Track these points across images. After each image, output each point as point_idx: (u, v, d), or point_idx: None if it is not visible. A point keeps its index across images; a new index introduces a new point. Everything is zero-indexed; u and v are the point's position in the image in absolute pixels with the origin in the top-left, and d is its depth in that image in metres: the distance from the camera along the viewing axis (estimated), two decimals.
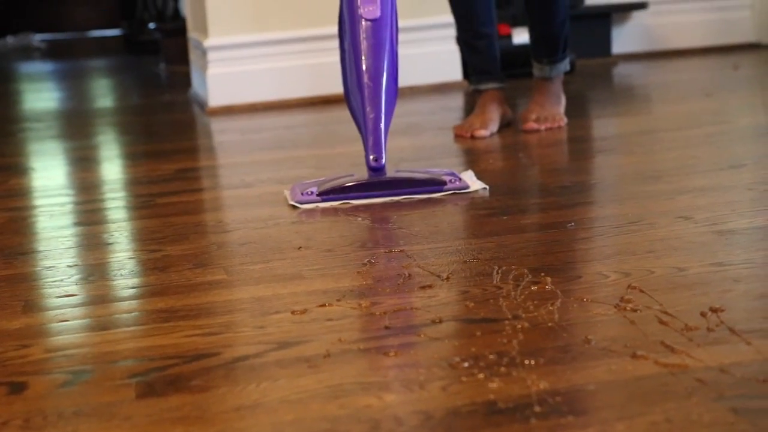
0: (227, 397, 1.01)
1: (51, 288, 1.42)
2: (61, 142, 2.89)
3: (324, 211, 1.76)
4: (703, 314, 1.13)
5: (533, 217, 1.68)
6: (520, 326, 1.14)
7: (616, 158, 2.15)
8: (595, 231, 1.55)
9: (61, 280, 1.45)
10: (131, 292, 1.40)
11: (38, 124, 3.26)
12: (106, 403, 1.02)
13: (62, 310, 1.32)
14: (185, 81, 3.75)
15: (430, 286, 1.31)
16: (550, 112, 2.42)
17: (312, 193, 1.80)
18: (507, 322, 1.16)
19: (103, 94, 4.21)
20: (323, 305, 1.26)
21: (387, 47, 1.84)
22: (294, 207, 1.78)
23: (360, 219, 1.69)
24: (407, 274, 1.36)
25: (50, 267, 1.52)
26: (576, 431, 0.89)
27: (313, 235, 1.61)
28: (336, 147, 2.47)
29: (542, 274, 1.32)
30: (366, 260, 1.44)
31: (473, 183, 1.84)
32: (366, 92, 1.81)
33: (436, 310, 1.22)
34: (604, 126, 2.63)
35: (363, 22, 1.84)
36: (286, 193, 1.87)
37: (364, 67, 1.82)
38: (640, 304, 1.18)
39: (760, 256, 1.35)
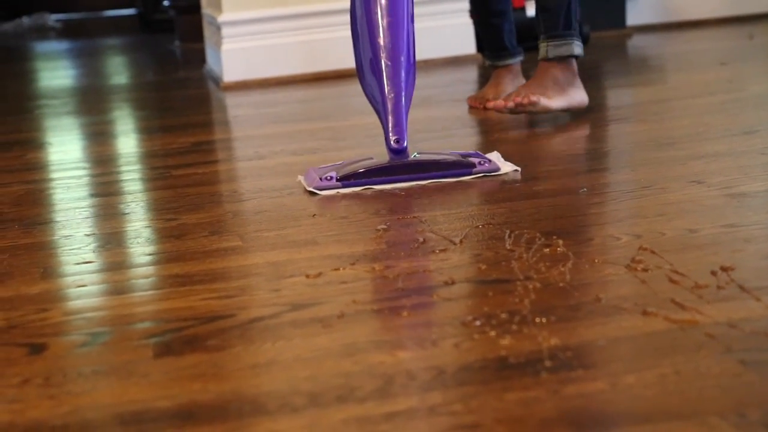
0: (243, 355, 1.03)
1: (69, 255, 1.44)
2: (77, 117, 2.91)
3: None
4: (713, 273, 1.14)
5: (546, 183, 1.68)
6: (531, 286, 1.15)
7: (630, 126, 2.15)
8: (607, 196, 1.56)
9: (79, 248, 1.47)
10: (147, 258, 1.42)
11: (54, 100, 3.28)
12: (124, 362, 1.04)
13: (80, 276, 1.34)
14: (200, 57, 3.76)
15: (443, 250, 1.32)
16: (532, 90, 2.10)
17: (331, 178, 1.69)
18: (519, 282, 1.17)
19: (118, 72, 4.23)
20: (337, 269, 1.27)
21: (405, 24, 1.77)
22: (312, 193, 1.68)
23: (373, 188, 1.70)
24: (421, 239, 1.37)
25: (68, 236, 1.54)
26: (585, 383, 0.90)
27: (327, 204, 1.62)
28: (349, 119, 2.48)
29: (554, 237, 1.33)
30: (380, 226, 1.45)
31: (503, 165, 1.74)
32: (384, 72, 1.73)
33: (448, 272, 1.24)
34: (617, 96, 2.63)
35: None
36: (301, 178, 1.77)
37: (381, 46, 1.74)
38: (650, 264, 1.19)
39: None
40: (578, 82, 2.14)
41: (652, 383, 0.89)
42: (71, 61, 4.66)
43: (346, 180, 1.70)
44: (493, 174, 1.71)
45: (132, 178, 2.02)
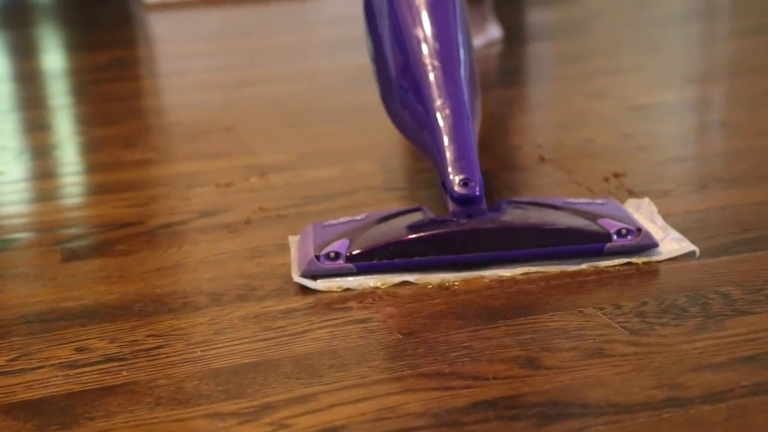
0: (149, 259, 1.06)
1: None
2: None
3: (258, 95, 1.79)
4: (606, 179, 1.20)
5: None
6: (426, 194, 1.20)
7: (542, 44, 2.19)
8: (510, 109, 1.60)
9: None
10: (61, 170, 1.43)
11: None
12: (32, 267, 1.07)
13: None
14: None
15: (349, 160, 1.35)
16: None
17: (337, 255, 0.98)
18: (417, 191, 1.21)
19: None
20: (247, 179, 1.31)
21: (455, 7, 1.11)
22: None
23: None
24: (332, 150, 1.41)
25: None
26: (472, 279, 0.95)
27: (243, 117, 1.64)
28: (273, 37, 2.48)
29: None
30: (294, 137, 1.48)
31: (666, 238, 1.00)
32: (432, 79, 1.05)
33: (354, 180, 1.27)
34: (533, 15, 2.67)
35: None
36: (293, 243, 1.07)
37: (422, 41, 1.07)
38: (549, 171, 1.24)
39: (664, 128, 1.42)
40: (492, 16, 2.09)
41: (536, 279, 0.95)
42: None
43: (363, 261, 0.98)
44: (642, 255, 0.98)
45: (50, 93, 2.01)
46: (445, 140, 1.03)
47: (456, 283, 0.94)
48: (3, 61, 2.49)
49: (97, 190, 1.30)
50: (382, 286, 0.95)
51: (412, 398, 0.75)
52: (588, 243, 0.97)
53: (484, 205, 1.00)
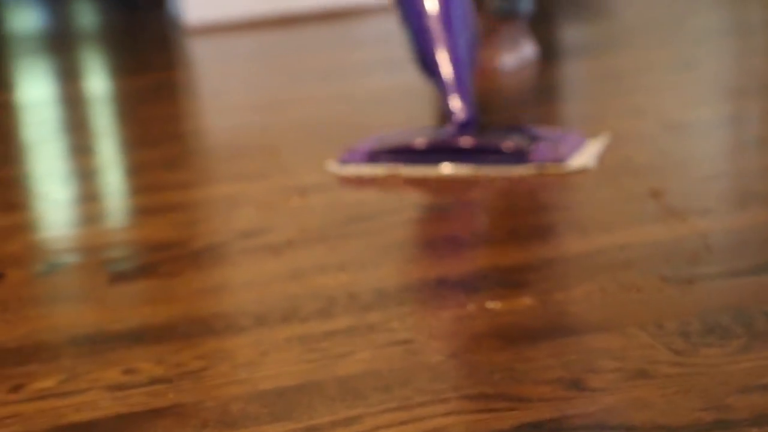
0: (193, 280, 1.08)
1: (31, 189, 1.48)
2: (39, 58, 2.92)
3: (296, 116, 1.80)
4: (645, 197, 1.20)
5: (488, 116, 1.73)
6: (470, 212, 1.21)
7: (577, 61, 2.19)
8: (548, 126, 1.60)
9: (41, 182, 1.50)
10: (106, 192, 1.45)
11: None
12: (80, 289, 1.08)
13: (41, 209, 1.38)
14: None
15: (389, 178, 1.36)
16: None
17: (358, 152, 1.43)
18: (457, 208, 1.22)
19: (79, 13, 4.21)
20: (288, 199, 1.32)
21: None
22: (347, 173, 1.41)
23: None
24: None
25: (30, 171, 1.58)
26: (514, 299, 0.95)
27: (282, 137, 1.66)
28: (310, 57, 2.50)
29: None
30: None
31: (581, 156, 1.37)
32: (434, 34, 1.44)
33: (395, 200, 1.28)
34: (567, 32, 2.67)
35: None
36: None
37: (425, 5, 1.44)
38: (587, 189, 1.25)
39: (702, 145, 1.42)
40: (526, 35, 2.08)
41: (578, 300, 0.95)
42: (30, 5, 4.63)
43: (368, 157, 1.41)
44: (547, 166, 1.33)
45: (93, 116, 2.04)
46: (446, 80, 1.41)
47: (497, 305, 0.95)
48: (48, 84, 2.53)
49: (141, 212, 1.32)
50: (377, 175, 1.36)
51: (456, 420, 0.76)
52: (514, 157, 1.33)
53: (471, 129, 1.40)
